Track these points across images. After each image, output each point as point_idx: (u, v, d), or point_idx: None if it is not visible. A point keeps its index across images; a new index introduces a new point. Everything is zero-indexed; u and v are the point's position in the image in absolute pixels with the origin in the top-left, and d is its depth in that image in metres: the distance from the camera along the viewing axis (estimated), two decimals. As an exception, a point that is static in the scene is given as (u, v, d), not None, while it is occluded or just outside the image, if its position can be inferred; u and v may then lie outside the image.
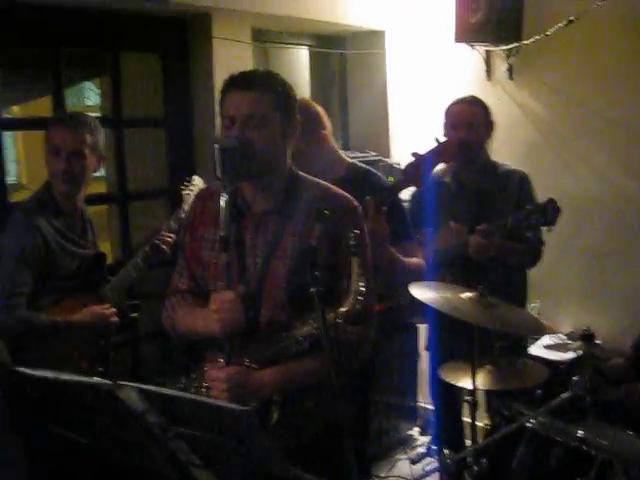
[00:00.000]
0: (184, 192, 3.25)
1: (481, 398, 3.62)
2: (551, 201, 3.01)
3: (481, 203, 3.43)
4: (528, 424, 2.56)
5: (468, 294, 2.88)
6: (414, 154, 2.87)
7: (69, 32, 3.49)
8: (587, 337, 2.54)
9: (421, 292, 2.88)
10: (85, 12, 3.47)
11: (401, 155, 4.62)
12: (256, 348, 2.10)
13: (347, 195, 2.25)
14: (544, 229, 3.15)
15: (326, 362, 1.99)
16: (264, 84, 2.11)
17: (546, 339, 4.01)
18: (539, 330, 2.94)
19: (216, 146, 2.01)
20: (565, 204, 3.72)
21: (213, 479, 1.66)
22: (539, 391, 3.11)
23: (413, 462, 4.40)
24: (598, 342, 3.18)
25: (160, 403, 1.55)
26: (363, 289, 1.98)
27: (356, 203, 2.25)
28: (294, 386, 2.11)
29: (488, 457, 2.67)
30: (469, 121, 3.40)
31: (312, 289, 1.91)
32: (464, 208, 3.45)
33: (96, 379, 1.60)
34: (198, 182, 3.31)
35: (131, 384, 1.54)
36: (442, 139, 2.97)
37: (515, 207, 3.27)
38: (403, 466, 4.39)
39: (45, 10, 3.33)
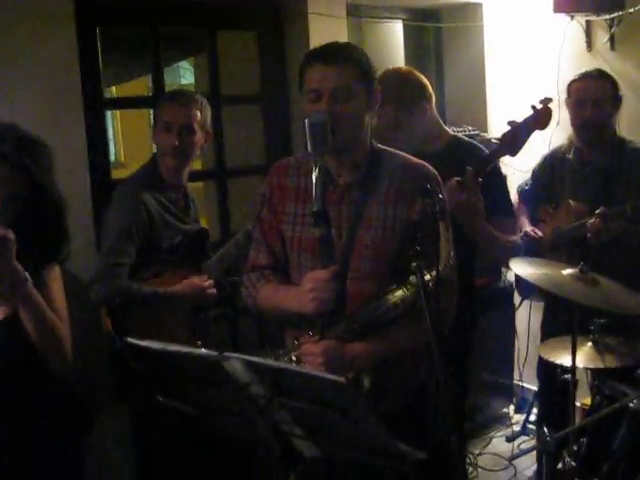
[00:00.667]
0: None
1: (582, 377, 3.57)
2: None
3: (604, 183, 3.33)
4: (631, 404, 2.50)
5: (569, 270, 2.81)
6: (510, 122, 2.82)
7: (167, 12, 3.56)
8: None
9: (522, 268, 2.83)
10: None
11: (499, 130, 4.51)
12: (347, 320, 2.12)
13: (426, 164, 2.25)
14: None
15: (417, 329, 2.03)
16: (347, 56, 2.12)
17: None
18: (642, 308, 2.84)
19: (306, 121, 2.04)
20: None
21: (315, 450, 1.70)
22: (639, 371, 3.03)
23: (508, 440, 4.37)
24: None
25: (265, 375, 1.58)
26: (452, 254, 1.98)
27: (434, 171, 2.24)
28: (387, 355, 2.13)
29: (588, 437, 2.62)
30: (594, 98, 3.28)
31: (414, 263, 1.92)
32: (586, 187, 3.36)
33: (203, 350, 1.65)
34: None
35: (237, 355, 1.57)
36: (538, 106, 2.89)
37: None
38: (499, 444, 4.36)
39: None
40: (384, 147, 2.28)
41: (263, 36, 3.95)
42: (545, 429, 2.41)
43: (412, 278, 2.02)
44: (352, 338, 2.11)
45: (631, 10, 3.91)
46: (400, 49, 4.79)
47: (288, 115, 4.03)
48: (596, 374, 2.85)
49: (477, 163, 2.79)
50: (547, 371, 3.49)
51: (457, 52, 4.79)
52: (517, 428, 4.50)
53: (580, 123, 3.34)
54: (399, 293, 2.07)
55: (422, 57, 4.89)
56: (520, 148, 2.84)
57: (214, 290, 3.06)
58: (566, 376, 2.88)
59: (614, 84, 3.36)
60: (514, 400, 4.75)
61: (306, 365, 2.07)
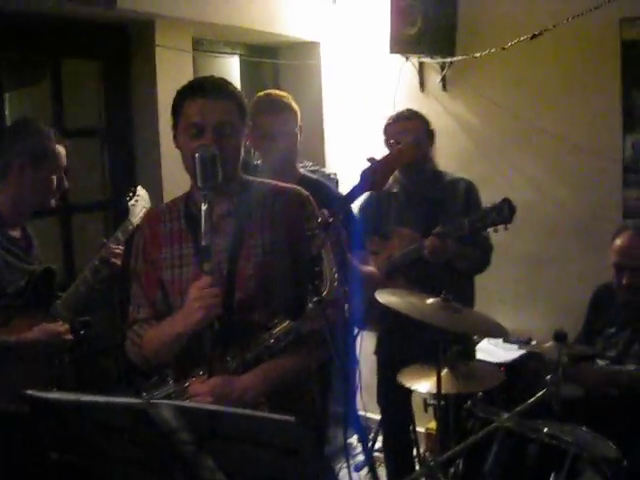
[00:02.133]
0: (130, 203, 3.17)
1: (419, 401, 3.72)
2: (506, 200, 3.10)
3: (429, 211, 3.50)
4: (503, 423, 2.64)
5: (432, 299, 2.94)
6: (370, 159, 2.91)
7: (9, 36, 3.35)
8: (560, 337, 2.64)
9: (387, 298, 2.92)
10: (25, 16, 3.35)
11: (337, 165, 4.66)
12: (236, 352, 2.09)
13: (295, 186, 2.30)
14: (492, 233, 3.24)
15: (303, 356, 2.10)
16: (228, 91, 2.14)
17: (484, 343, 4.12)
18: (503, 333, 3.03)
19: (196, 155, 2.02)
20: (500, 210, 3.88)
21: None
22: (480, 393, 3.21)
23: (357, 469, 4.42)
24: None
25: (197, 420, 1.51)
26: (336, 275, 2.01)
27: (306, 192, 2.28)
28: (278, 385, 2.10)
29: (463, 459, 2.73)
30: (411, 139, 3.40)
31: (314, 298, 1.95)
32: (413, 216, 3.52)
33: (128, 399, 1.55)
34: (142, 193, 3.23)
35: (166, 401, 1.50)
36: (377, 157, 3.03)
37: (463, 214, 3.34)
38: (345, 475, 4.39)
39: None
40: (252, 177, 2.30)
41: (109, 66, 3.83)
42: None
43: (307, 310, 2.03)
44: (244, 371, 2.08)
45: (461, 57, 4.17)
46: (236, 84, 4.79)
47: (133, 149, 3.92)
48: (462, 398, 2.97)
49: (337, 203, 2.86)
50: (398, 398, 3.63)
51: (295, 89, 4.83)
52: (361, 457, 4.57)
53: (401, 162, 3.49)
54: (289, 322, 2.06)
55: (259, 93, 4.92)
56: (384, 183, 2.95)
57: (69, 335, 2.89)
58: (432, 402, 3.00)
59: (426, 121, 3.56)
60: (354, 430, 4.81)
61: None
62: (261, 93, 3.18)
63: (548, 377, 2.64)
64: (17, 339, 2.71)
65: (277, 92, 3.25)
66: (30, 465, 2.54)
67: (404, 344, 3.53)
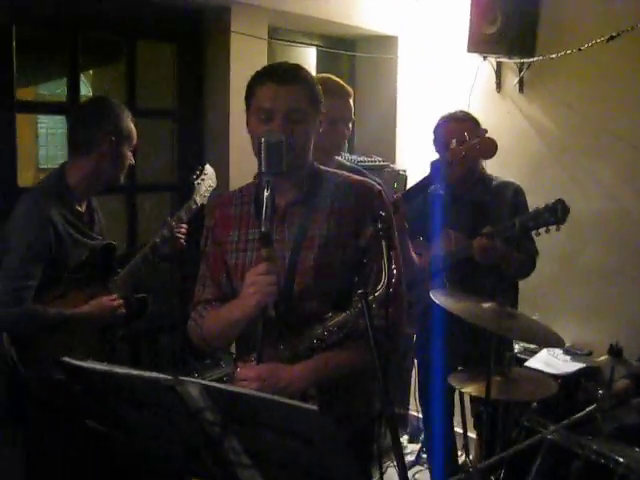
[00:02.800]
0: (195, 182, 3.19)
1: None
2: (560, 201, 3.02)
3: (475, 214, 3.44)
4: (550, 436, 2.56)
5: (488, 304, 2.88)
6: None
7: (87, 17, 3.43)
8: (616, 352, 2.55)
9: (443, 300, 2.88)
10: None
11: (407, 162, 4.61)
12: (290, 341, 2.09)
13: (369, 180, 2.26)
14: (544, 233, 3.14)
15: (359, 352, 2.03)
16: (301, 78, 2.10)
17: (543, 353, 4.02)
18: (558, 342, 2.94)
19: (262, 140, 1.99)
20: (570, 219, 3.76)
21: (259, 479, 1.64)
22: (535, 404, 3.13)
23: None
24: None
25: (222, 401, 1.51)
26: (394, 272, 1.96)
27: (378, 187, 2.24)
28: (327, 378, 2.09)
29: (505, 468, 2.66)
30: (461, 140, 3.28)
31: (359, 291, 1.90)
32: (460, 219, 3.46)
33: (155, 374, 1.55)
34: (209, 171, 3.25)
35: (194, 380, 1.49)
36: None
37: (509, 218, 3.25)
38: (393, 473, 4.37)
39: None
40: (325, 167, 2.27)
41: (183, 50, 3.88)
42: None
43: (357, 304, 2.00)
44: (296, 360, 2.06)
45: (541, 57, 4.06)
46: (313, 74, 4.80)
47: (203, 132, 3.95)
48: (515, 406, 2.90)
49: (414, 190, 2.85)
50: (438, 400, 3.58)
51: (370, 83, 4.85)
52: (411, 458, 4.54)
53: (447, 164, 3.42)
54: (344, 315, 2.03)
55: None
56: (459, 175, 2.92)
57: (123, 309, 2.94)
58: (481, 408, 2.94)
59: (477, 125, 3.47)
60: (408, 430, 4.79)
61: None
62: (324, 75, 3.13)
63: (600, 392, 2.55)
64: (73, 312, 2.77)
65: (337, 78, 3.21)
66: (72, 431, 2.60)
67: (449, 346, 3.47)
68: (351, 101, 3.08)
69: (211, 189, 3.20)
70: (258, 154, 2.02)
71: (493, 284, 3.27)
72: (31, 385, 2.71)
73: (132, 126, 2.91)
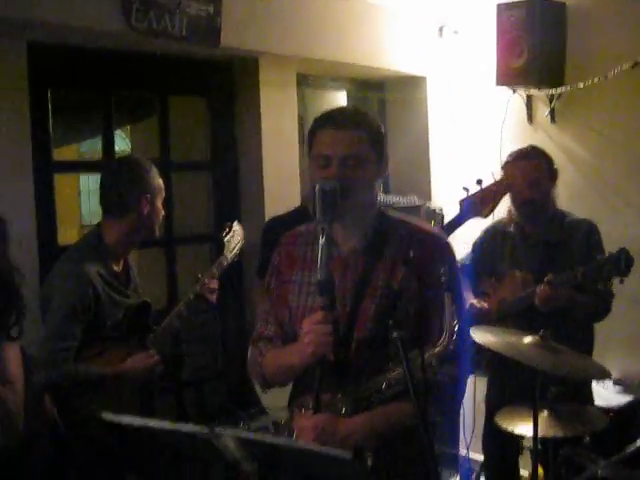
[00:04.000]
0: (225, 239, 3.23)
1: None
2: (623, 250, 2.96)
3: (546, 254, 3.37)
4: (600, 472, 2.49)
5: (530, 338, 2.83)
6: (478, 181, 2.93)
7: (119, 75, 3.53)
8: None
9: (483, 336, 2.83)
10: (136, 55, 3.52)
11: (443, 200, 4.60)
12: (348, 392, 2.05)
13: (436, 232, 2.22)
14: (616, 280, 3.09)
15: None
16: (359, 122, 2.07)
17: (593, 385, 3.93)
18: (603, 374, 2.88)
19: (316, 187, 1.98)
20: (612, 249, 3.71)
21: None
22: (588, 438, 3.05)
23: (457, 510, 4.31)
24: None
25: (258, 451, 1.51)
26: (456, 327, 1.93)
27: (446, 239, 2.20)
28: (384, 432, 2.04)
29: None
30: (531, 179, 3.32)
31: (394, 334, 1.86)
32: (528, 259, 3.40)
33: (191, 426, 1.56)
34: (237, 228, 3.29)
35: (229, 431, 1.50)
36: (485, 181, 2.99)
37: (582, 258, 3.21)
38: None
39: (97, 53, 3.38)
40: (393, 213, 2.23)
41: (214, 102, 3.95)
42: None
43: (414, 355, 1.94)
44: (353, 410, 2.03)
45: (570, 86, 4.05)
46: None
47: (237, 183, 4.00)
48: (560, 442, 2.83)
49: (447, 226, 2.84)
50: (498, 441, 3.51)
51: (401, 123, 4.87)
52: (464, 498, 4.45)
53: (520, 202, 3.38)
54: (399, 372, 1.97)
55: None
56: (490, 210, 2.91)
57: (161, 365, 2.96)
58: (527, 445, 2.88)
59: (548, 160, 3.43)
60: (460, 470, 4.70)
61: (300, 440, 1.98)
62: None
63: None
64: (113, 371, 2.80)
65: None
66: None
67: (507, 386, 3.41)
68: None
69: (240, 245, 3.25)
70: (312, 201, 2.02)
71: (563, 329, 3.12)
72: (73, 445, 2.73)
73: (160, 180, 2.96)
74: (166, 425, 1.58)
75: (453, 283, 1.95)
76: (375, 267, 2.10)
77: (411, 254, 1.99)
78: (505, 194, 3.01)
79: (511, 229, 3.48)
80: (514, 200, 3.40)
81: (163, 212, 2.98)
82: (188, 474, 1.70)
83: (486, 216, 2.94)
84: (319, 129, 2.09)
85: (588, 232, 3.35)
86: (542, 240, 3.40)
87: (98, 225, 2.95)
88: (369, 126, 2.09)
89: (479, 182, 2.93)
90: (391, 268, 2.08)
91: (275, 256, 2.29)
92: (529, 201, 3.34)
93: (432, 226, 2.24)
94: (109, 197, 2.91)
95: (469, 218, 2.95)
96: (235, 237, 3.23)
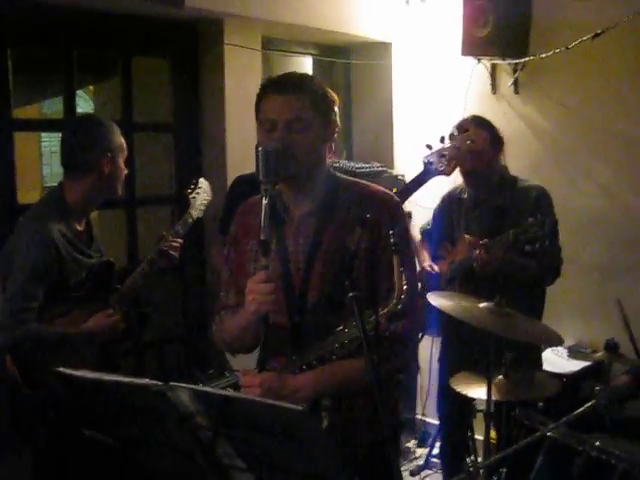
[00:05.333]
0: (190, 196, 3.21)
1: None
2: (549, 215, 3.04)
3: (496, 219, 3.44)
4: (549, 434, 2.56)
5: (485, 304, 2.88)
6: (428, 146, 2.98)
7: (82, 34, 3.48)
8: (612, 347, 2.55)
9: (439, 301, 2.88)
10: (98, 15, 3.47)
11: (405, 167, 4.63)
12: (301, 352, 2.08)
13: (387, 192, 2.23)
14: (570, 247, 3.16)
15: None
16: (304, 87, 2.10)
17: (548, 352, 4.02)
18: (557, 340, 2.94)
19: (259, 149, 2.00)
20: (570, 218, 3.77)
21: (255, 483, 1.66)
22: (541, 403, 3.13)
23: (412, 474, 4.39)
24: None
25: (212, 405, 1.53)
26: (405, 287, 1.96)
27: (397, 199, 2.23)
28: (335, 388, 2.07)
29: (507, 467, 2.67)
30: (473, 150, 3.30)
31: (350, 294, 1.88)
32: (480, 224, 3.48)
33: (146, 380, 1.57)
34: (204, 185, 3.27)
35: (184, 385, 1.51)
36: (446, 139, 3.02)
37: None
38: (404, 478, 4.38)
39: (58, 11, 3.32)
40: (343, 176, 2.26)
41: (177, 64, 3.92)
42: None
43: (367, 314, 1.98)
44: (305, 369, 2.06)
45: (535, 57, 4.08)
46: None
47: (200, 144, 3.99)
48: (512, 406, 2.90)
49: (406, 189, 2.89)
50: (452, 403, 3.58)
51: (366, 89, 4.88)
52: (420, 462, 4.54)
53: (464, 172, 3.46)
54: (352, 332, 2.01)
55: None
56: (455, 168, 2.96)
57: (122, 324, 2.96)
58: (481, 408, 2.95)
59: (491, 129, 3.49)
60: (416, 434, 4.79)
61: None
62: None
63: (597, 388, 2.55)
64: (75, 330, 2.80)
65: None
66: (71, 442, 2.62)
67: (462, 350, 3.48)
68: (336, 108, 3.10)
69: (206, 202, 3.23)
70: (256, 163, 2.02)
71: (508, 292, 3.14)
72: (34, 403, 2.73)
73: (122, 139, 2.94)
74: (120, 379, 1.60)
75: (403, 244, 1.96)
76: (326, 229, 2.13)
77: (367, 215, 2.01)
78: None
79: (464, 195, 3.57)
80: (460, 169, 3.46)
81: (125, 171, 2.95)
82: (143, 430, 1.70)
83: (449, 174, 2.98)
84: (265, 94, 2.11)
85: (538, 197, 3.42)
86: (492, 205, 3.48)
87: (60, 184, 2.91)
88: (314, 91, 2.11)
89: (442, 140, 2.96)
90: (344, 229, 2.10)
91: (233, 228, 2.32)
92: (472, 171, 3.42)
93: (382, 187, 2.25)
94: (70, 156, 2.88)
95: (432, 177, 2.97)
96: (201, 194, 3.21)
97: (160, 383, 1.52)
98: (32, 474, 2.97)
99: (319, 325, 2.09)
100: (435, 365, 4.08)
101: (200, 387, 1.52)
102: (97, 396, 1.71)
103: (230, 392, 1.64)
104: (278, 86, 2.10)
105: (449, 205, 3.66)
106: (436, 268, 3.68)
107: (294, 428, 1.44)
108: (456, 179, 3.53)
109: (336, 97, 2.89)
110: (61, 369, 1.66)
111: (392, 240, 1.92)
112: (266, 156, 1.98)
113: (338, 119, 2.20)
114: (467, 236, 3.44)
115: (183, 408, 1.53)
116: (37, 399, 2.72)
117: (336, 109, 2.18)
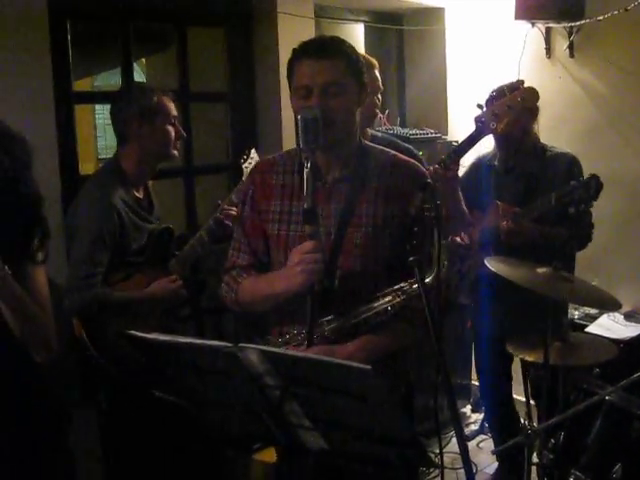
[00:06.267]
0: (243, 166, 3.25)
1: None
2: (594, 176, 3.00)
3: (527, 186, 3.42)
4: (607, 397, 2.57)
5: (543, 269, 2.88)
6: (479, 105, 3.00)
7: (138, 7, 3.53)
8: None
9: (497, 266, 2.88)
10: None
11: (459, 133, 4.60)
12: (334, 320, 2.09)
13: (415, 162, 2.25)
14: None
15: (405, 334, 2.09)
16: (337, 51, 2.09)
17: (604, 318, 4.00)
18: (614, 305, 2.93)
19: (299, 117, 2.00)
20: (627, 182, 3.72)
21: (322, 442, 1.70)
22: (597, 369, 3.12)
23: (467, 439, 4.42)
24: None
25: (281, 365, 1.57)
26: (445, 261, 1.98)
27: (423, 169, 2.25)
28: (381, 355, 2.09)
29: (565, 430, 2.68)
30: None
31: (411, 258, 1.87)
32: (510, 192, 3.45)
33: (216, 342, 1.63)
34: (255, 156, 3.29)
35: (253, 346, 1.56)
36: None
37: None
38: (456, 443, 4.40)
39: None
40: (370, 143, 2.28)
41: (231, 34, 3.95)
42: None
43: (404, 285, 2.03)
44: (338, 338, 2.08)
45: (590, 20, 4.01)
46: (361, 51, 4.82)
47: (255, 113, 4.03)
48: (570, 370, 2.91)
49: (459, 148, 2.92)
50: (498, 369, 3.60)
51: (418, 55, 4.85)
52: (475, 427, 4.57)
53: (498, 137, 3.43)
54: (389, 298, 2.04)
55: (383, 59, 4.92)
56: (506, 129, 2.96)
57: (184, 290, 3.03)
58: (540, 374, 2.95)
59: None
60: (471, 400, 4.82)
61: None
62: None
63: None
64: (138, 295, 2.89)
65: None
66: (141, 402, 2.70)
67: (508, 314, 3.47)
68: (377, 72, 3.09)
69: None
70: (296, 131, 2.04)
71: (543, 256, 3.16)
72: (102, 365, 2.82)
73: (162, 100, 2.95)
74: (192, 341, 1.66)
75: (440, 219, 1.95)
76: (359, 196, 2.14)
77: (427, 180, 2.02)
78: (521, 106, 3.01)
79: (495, 162, 3.54)
80: (494, 134, 3.44)
81: (173, 132, 2.97)
82: (213, 390, 1.76)
83: (501, 132, 2.98)
84: (297, 60, 2.10)
85: (569, 165, 3.39)
86: (524, 172, 3.46)
87: (114, 155, 3.00)
88: (347, 55, 2.10)
89: (480, 106, 2.96)
90: (377, 197, 2.12)
91: (249, 185, 2.31)
92: (506, 136, 3.38)
93: (409, 158, 2.27)
94: (117, 125, 2.96)
95: (485, 134, 2.98)
96: (253, 164, 3.26)
97: (231, 345, 1.57)
98: (99, 437, 3.09)
99: (349, 292, 2.11)
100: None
101: (269, 348, 1.57)
102: (168, 358, 1.77)
103: (298, 352, 1.68)
104: (311, 51, 2.08)
105: (478, 172, 3.62)
106: (466, 238, 3.65)
107: (360, 388, 1.49)
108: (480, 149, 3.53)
109: (374, 61, 2.87)
110: (133, 332, 1.72)
111: (431, 213, 1.92)
112: (305, 124, 1.99)
113: (380, 83, 2.19)
114: (499, 203, 3.42)
115: (252, 368, 1.58)
116: (104, 362, 2.81)
117: (376, 72, 2.18)
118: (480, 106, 3.01)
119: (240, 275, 2.27)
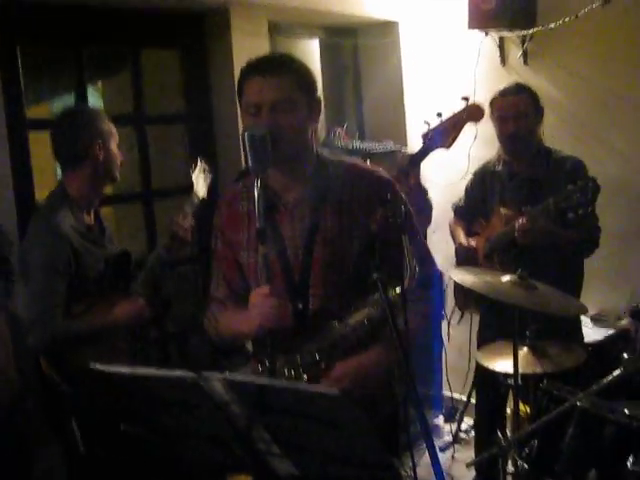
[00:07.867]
0: (192, 177, 3.20)
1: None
2: (591, 179, 3.01)
3: (532, 191, 3.41)
4: (579, 403, 2.56)
5: (507, 277, 2.88)
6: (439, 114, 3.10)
7: (90, 30, 3.48)
8: (637, 314, 2.55)
9: (460, 276, 2.89)
10: (105, 10, 3.47)
11: (419, 144, 4.60)
12: (308, 341, 2.06)
13: (377, 169, 2.22)
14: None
15: (387, 353, 2.03)
16: (286, 67, 2.06)
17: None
18: (580, 310, 2.94)
19: (245, 134, 1.95)
20: (589, 188, 3.73)
21: (292, 469, 1.67)
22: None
23: (441, 450, 4.40)
24: None
25: (247, 393, 1.54)
26: (415, 266, 1.94)
27: (387, 176, 2.20)
28: (368, 377, 2.07)
29: (538, 439, 2.67)
30: (516, 113, 3.38)
31: (374, 275, 1.85)
32: (515, 197, 3.45)
33: (178, 372, 1.59)
34: (200, 165, 3.23)
35: (217, 374, 1.52)
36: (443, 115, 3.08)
37: None
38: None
39: (66, 9, 3.33)
40: (328, 155, 2.22)
41: (186, 54, 3.93)
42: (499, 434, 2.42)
43: (377, 296, 1.97)
44: (318, 363, 2.06)
45: (542, 27, 4.04)
46: (317, 67, 4.82)
47: (213, 134, 4.00)
48: (540, 377, 2.90)
49: (410, 162, 2.92)
50: (483, 378, 3.59)
51: (374, 69, 4.86)
52: (448, 438, 4.55)
53: (505, 137, 3.45)
54: (364, 311, 2.01)
55: (339, 75, 4.93)
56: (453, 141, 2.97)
57: (148, 309, 2.98)
58: (509, 381, 2.95)
59: (534, 96, 3.47)
60: (443, 410, 4.80)
61: None
62: None
63: (624, 356, 2.55)
64: (103, 322, 2.83)
65: None
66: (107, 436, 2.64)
67: (493, 325, 3.47)
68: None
69: (209, 180, 3.21)
70: (244, 149, 1.98)
71: (548, 264, 3.22)
72: (71, 399, 2.76)
73: (111, 125, 2.92)
74: (154, 372, 1.61)
75: (408, 223, 1.96)
76: (322, 212, 2.10)
77: (388, 195, 1.99)
78: (466, 123, 3.06)
79: (499, 168, 3.55)
80: (500, 135, 3.48)
81: (120, 156, 2.94)
82: (179, 421, 1.72)
83: (449, 147, 3.00)
84: (246, 78, 2.07)
85: (573, 169, 3.39)
86: (528, 177, 3.45)
87: (60, 181, 2.93)
88: (296, 71, 2.07)
89: (439, 115, 2.99)
90: (341, 211, 2.10)
91: (216, 218, 2.29)
92: (514, 135, 3.39)
93: (369, 165, 2.26)
94: (61, 149, 2.89)
95: (433, 149, 3.01)
96: (200, 174, 3.20)
97: (193, 374, 1.53)
98: (66, 471, 3.02)
99: (322, 310, 2.08)
100: (460, 341, 4.10)
101: (233, 376, 1.53)
102: (132, 390, 1.73)
103: (264, 379, 1.64)
104: (259, 69, 2.05)
105: (482, 179, 3.63)
106: (473, 243, 3.65)
107: (330, 413, 1.46)
108: (485, 155, 3.51)
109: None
110: (94, 365, 1.67)
111: (398, 220, 1.89)
112: (253, 142, 1.94)
113: (319, 97, 2.16)
114: (502, 209, 3.42)
115: (218, 397, 1.54)
116: (72, 395, 2.75)
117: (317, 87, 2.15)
118: (439, 114, 3.03)
119: (218, 309, 2.28)
